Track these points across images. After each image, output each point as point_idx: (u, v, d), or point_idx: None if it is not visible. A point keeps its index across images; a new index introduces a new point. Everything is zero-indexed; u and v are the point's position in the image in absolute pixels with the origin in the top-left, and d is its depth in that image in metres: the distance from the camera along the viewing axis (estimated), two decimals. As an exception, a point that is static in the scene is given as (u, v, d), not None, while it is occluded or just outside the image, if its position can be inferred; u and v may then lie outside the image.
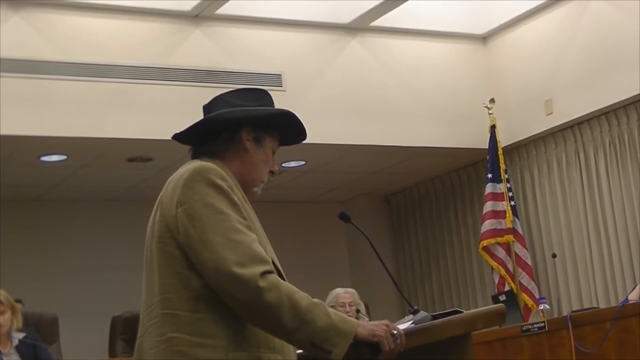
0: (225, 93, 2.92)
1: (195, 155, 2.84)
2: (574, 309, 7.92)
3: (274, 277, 2.58)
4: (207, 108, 2.90)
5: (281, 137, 2.92)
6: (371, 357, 2.62)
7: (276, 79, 8.26)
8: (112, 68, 7.70)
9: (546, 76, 8.80)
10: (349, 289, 7.10)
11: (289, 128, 2.92)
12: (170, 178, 2.77)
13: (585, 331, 5.84)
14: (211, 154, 2.80)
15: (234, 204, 2.65)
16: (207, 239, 2.58)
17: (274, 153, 2.89)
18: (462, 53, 9.31)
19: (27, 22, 7.52)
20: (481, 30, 9.33)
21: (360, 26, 8.75)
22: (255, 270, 2.55)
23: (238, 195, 2.70)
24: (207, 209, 2.61)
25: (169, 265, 2.64)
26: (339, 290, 7.01)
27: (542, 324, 6.11)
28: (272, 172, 2.90)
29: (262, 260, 2.58)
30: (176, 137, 2.88)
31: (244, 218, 2.66)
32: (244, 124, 2.82)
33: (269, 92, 2.98)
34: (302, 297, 2.59)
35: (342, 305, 6.76)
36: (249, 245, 2.59)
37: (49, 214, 9.29)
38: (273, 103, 2.93)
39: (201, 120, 2.84)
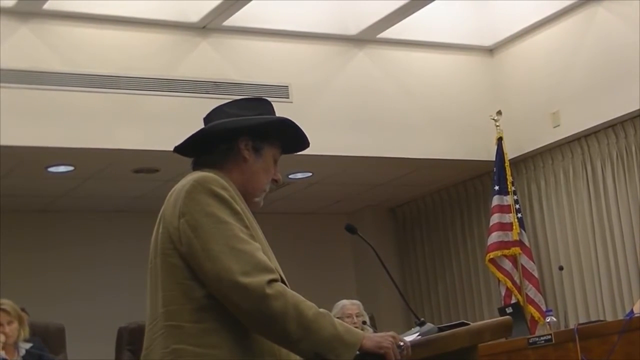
0: (225, 104, 2.92)
1: (196, 167, 2.84)
2: (581, 321, 7.93)
3: (281, 285, 2.58)
4: (206, 119, 2.91)
5: (283, 145, 2.92)
6: (377, 368, 2.61)
7: (283, 91, 8.27)
8: (119, 79, 7.71)
9: (553, 88, 8.80)
10: (355, 301, 7.09)
11: (289, 136, 2.92)
12: (172, 190, 2.77)
13: (592, 344, 5.82)
14: (211, 165, 2.81)
15: (235, 213, 2.65)
16: (210, 248, 2.58)
17: (275, 162, 2.89)
18: (468, 65, 9.31)
19: (34, 34, 7.54)
20: (488, 42, 9.33)
21: (367, 38, 8.76)
22: (261, 278, 2.54)
23: (240, 205, 2.70)
24: (209, 219, 2.61)
25: (172, 277, 2.64)
26: (344, 301, 7.00)
27: (549, 337, 6.09)
28: (275, 181, 2.89)
29: (267, 269, 2.58)
30: (177, 149, 2.89)
31: (247, 227, 2.66)
32: (241, 133, 2.81)
33: (276, 103, 2.99)
34: (309, 306, 2.58)
35: (348, 316, 6.75)
36: (252, 254, 2.59)
37: (55, 225, 9.29)
38: (273, 112, 2.92)
39: (198, 132, 2.85)
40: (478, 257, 9.67)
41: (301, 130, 2.92)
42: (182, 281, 2.62)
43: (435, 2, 8.31)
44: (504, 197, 8.87)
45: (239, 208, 2.68)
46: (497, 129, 8.92)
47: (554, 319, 6.58)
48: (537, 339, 6.18)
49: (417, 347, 2.72)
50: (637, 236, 8.31)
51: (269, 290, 2.53)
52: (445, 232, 10.26)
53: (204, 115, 2.94)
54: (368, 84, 8.77)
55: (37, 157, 7.73)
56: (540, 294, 8.76)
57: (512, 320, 3.01)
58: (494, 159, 8.97)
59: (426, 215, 10.51)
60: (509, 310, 7.00)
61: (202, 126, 2.89)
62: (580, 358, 5.80)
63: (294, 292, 2.60)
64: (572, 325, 6.90)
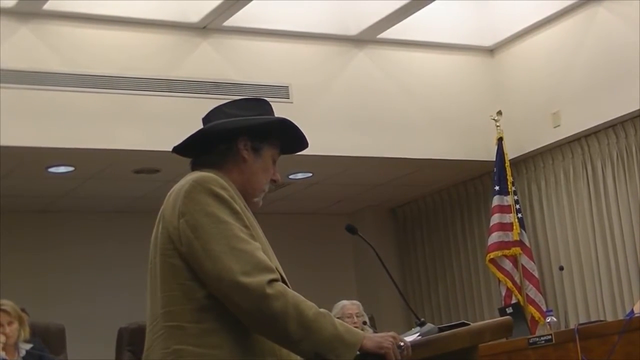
0: (223, 104, 2.92)
1: (195, 167, 2.84)
2: (581, 321, 7.93)
3: (281, 285, 2.58)
4: (205, 119, 2.90)
5: (283, 146, 2.92)
6: (377, 369, 2.61)
7: (283, 91, 8.27)
8: (119, 80, 7.72)
9: (554, 88, 8.80)
10: (355, 301, 7.11)
11: (288, 136, 2.91)
12: (171, 190, 2.77)
13: (592, 344, 5.82)
14: (210, 165, 2.80)
15: (235, 213, 2.65)
16: (210, 248, 2.58)
17: (274, 162, 2.89)
18: (469, 65, 9.31)
19: (34, 34, 7.54)
20: (488, 42, 9.33)
21: (367, 38, 8.76)
22: (262, 278, 2.54)
23: (240, 204, 2.70)
24: (209, 219, 2.61)
25: (173, 277, 2.64)
26: (344, 302, 7.01)
27: (549, 337, 6.08)
28: (274, 181, 2.89)
29: (267, 269, 2.58)
30: (176, 149, 2.89)
31: (246, 226, 2.65)
32: (240, 133, 2.81)
33: (276, 103, 2.98)
34: (309, 306, 2.58)
35: (349, 316, 6.75)
36: (252, 253, 2.59)
37: (55, 225, 9.29)
38: (272, 112, 2.92)
39: (197, 132, 2.84)
40: (478, 257, 9.67)
41: (300, 131, 2.92)
42: (183, 282, 2.62)
43: (435, 2, 8.31)
44: (504, 197, 8.87)
45: (238, 208, 2.68)
46: (497, 129, 8.92)
47: (554, 319, 6.58)
48: (537, 339, 6.17)
49: (418, 347, 2.72)
50: (637, 236, 8.31)
51: (269, 290, 2.53)
52: (446, 232, 10.26)
53: (204, 116, 2.94)
54: (368, 84, 8.77)
55: (37, 158, 7.72)
56: (541, 294, 8.76)
57: (512, 321, 3.01)
58: (494, 159, 8.97)
59: (426, 215, 10.51)
60: (510, 310, 7.00)
61: (202, 126, 2.89)
62: (580, 358, 5.79)
63: (294, 292, 2.60)
64: (572, 325, 6.89)
